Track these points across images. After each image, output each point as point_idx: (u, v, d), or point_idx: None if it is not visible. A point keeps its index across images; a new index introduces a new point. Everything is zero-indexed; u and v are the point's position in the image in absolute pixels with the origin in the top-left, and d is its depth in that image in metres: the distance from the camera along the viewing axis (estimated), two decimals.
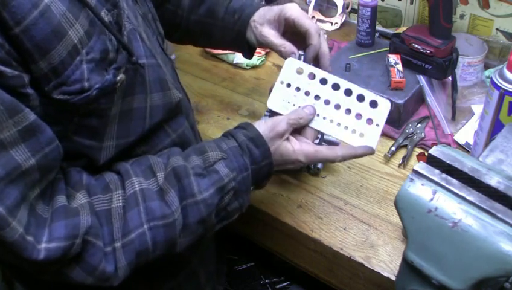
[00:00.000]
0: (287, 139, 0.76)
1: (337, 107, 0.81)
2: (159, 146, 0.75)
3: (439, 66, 1.07)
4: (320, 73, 0.83)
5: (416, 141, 1.04)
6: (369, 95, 0.80)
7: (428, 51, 1.07)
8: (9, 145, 0.54)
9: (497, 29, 1.20)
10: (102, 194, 0.65)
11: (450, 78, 1.09)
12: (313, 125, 0.80)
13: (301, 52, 0.88)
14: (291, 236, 0.94)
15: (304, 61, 0.86)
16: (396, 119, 1.07)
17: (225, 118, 1.17)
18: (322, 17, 1.46)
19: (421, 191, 0.57)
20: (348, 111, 0.80)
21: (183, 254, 0.84)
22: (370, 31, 1.22)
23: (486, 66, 1.17)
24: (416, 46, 1.09)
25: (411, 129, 1.06)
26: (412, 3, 1.31)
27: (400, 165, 1.01)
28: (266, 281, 1.42)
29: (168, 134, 0.76)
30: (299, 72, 0.83)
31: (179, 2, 0.97)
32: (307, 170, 1.01)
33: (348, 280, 0.92)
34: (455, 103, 1.06)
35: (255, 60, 1.31)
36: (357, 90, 0.81)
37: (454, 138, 1.03)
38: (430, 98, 1.10)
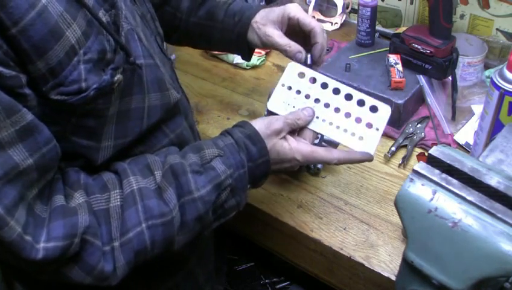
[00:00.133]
0: (284, 138, 0.77)
1: (337, 110, 0.81)
2: (157, 146, 0.75)
3: (439, 66, 1.07)
4: (321, 77, 0.83)
5: (416, 141, 1.04)
6: (370, 100, 0.80)
7: (428, 51, 1.07)
8: (6, 145, 0.54)
9: (497, 29, 1.20)
10: (100, 194, 0.65)
11: (450, 78, 1.09)
12: (311, 126, 0.80)
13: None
14: (291, 236, 0.94)
15: (311, 59, 0.88)
16: (396, 119, 1.07)
17: (225, 118, 1.17)
18: (322, 17, 1.46)
19: (421, 191, 0.57)
20: (348, 115, 0.80)
21: (181, 253, 0.84)
22: (370, 31, 1.22)
23: (486, 66, 1.16)
24: (416, 46, 1.09)
25: (411, 129, 1.06)
26: (412, 3, 1.31)
27: (400, 165, 1.01)
28: (266, 281, 1.42)
29: (166, 134, 0.76)
30: (301, 76, 0.84)
31: (178, 4, 0.97)
32: (306, 170, 1.01)
33: (348, 280, 0.92)
34: (455, 103, 1.06)
35: (255, 60, 1.31)
36: (357, 95, 0.81)
37: (454, 138, 1.03)
38: (430, 98, 1.10)
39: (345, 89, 0.82)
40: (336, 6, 1.41)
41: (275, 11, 0.89)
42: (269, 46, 0.91)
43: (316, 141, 0.92)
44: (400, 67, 1.09)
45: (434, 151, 0.61)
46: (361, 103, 0.80)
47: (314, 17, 1.46)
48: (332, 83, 0.82)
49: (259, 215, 0.97)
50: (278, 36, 0.88)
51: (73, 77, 0.58)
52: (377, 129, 0.79)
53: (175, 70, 0.87)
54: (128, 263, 0.64)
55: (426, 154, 0.91)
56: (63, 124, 0.62)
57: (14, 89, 0.54)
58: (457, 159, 0.60)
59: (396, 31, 1.22)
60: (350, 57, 1.20)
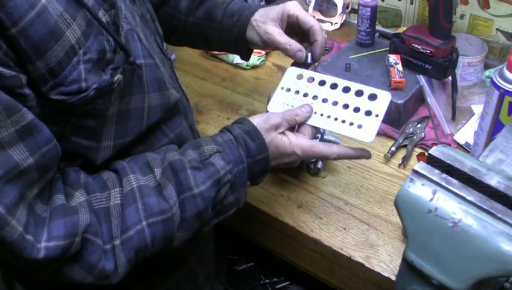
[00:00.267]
0: (283, 133, 0.77)
1: (335, 103, 0.81)
2: (157, 146, 0.75)
3: (439, 66, 1.07)
4: (319, 76, 0.84)
5: (416, 141, 1.04)
6: (368, 89, 0.80)
7: (428, 51, 1.07)
8: (7, 144, 0.54)
9: (497, 29, 1.20)
10: (100, 192, 0.65)
11: (450, 78, 1.09)
12: (309, 122, 0.80)
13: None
14: (291, 236, 0.94)
15: (311, 58, 0.88)
16: (396, 119, 1.07)
17: (225, 118, 1.17)
18: (322, 17, 1.46)
19: (421, 191, 0.57)
20: (346, 106, 0.80)
21: (180, 252, 0.84)
22: (370, 31, 1.22)
23: (486, 66, 1.16)
24: (416, 46, 1.09)
25: (411, 129, 1.06)
26: (412, 3, 1.31)
27: (400, 165, 1.01)
28: (266, 281, 1.42)
29: (165, 134, 0.76)
30: (299, 77, 0.85)
31: (176, 5, 0.97)
32: (306, 170, 1.01)
33: (348, 280, 0.92)
34: (455, 103, 1.06)
35: (255, 60, 1.31)
36: (355, 86, 0.81)
37: (454, 138, 1.03)
38: (430, 98, 1.10)
39: (342, 83, 0.82)
40: (336, 6, 1.41)
41: (275, 9, 0.90)
42: (269, 44, 0.90)
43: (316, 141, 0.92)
44: (399, 67, 1.09)
45: (434, 151, 0.61)
46: (359, 93, 0.81)
47: (314, 17, 1.45)
48: (330, 79, 0.83)
49: (259, 215, 0.97)
50: (278, 34, 0.88)
51: (73, 77, 0.58)
52: (377, 116, 0.78)
53: (175, 70, 0.87)
54: (129, 261, 0.65)
55: (426, 154, 0.91)
56: (63, 124, 0.62)
57: (14, 89, 0.55)
58: (457, 159, 0.59)
59: (396, 31, 1.22)
60: (350, 57, 1.20)
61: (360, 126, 0.78)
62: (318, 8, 1.47)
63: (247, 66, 1.32)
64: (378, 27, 1.36)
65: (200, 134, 0.96)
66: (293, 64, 0.90)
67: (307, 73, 0.85)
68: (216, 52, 1.35)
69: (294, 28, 0.90)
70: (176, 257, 0.85)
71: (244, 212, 0.97)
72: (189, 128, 0.83)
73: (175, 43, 1.05)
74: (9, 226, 0.54)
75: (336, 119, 0.80)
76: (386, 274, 0.83)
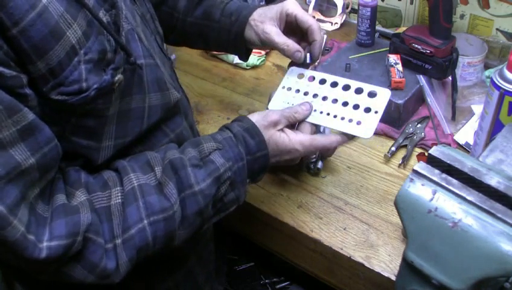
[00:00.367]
0: (282, 130, 0.77)
1: (335, 101, 0.81)
2: (157, 146, 0.75)
3: (439, 66, 1.07)
4: (319, 74, 0.84)
5: (416, 141, 1.04)
6: (368, 87, 0.81)
7: (428, 51, 1.07)
8: (8, 144, 0.54)
9: (497, 29, 1.20)
10: (101, 191, 0.65)
11: (450, 78, 1.09)
12: (309, 120, 0.81)
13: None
14: (291, 236, 0.94)
15: (310, 58, 0.88)
16: (396, 119, 1.07)
17: (225, 118, 1.17)
18: (322, 17, 1.46)
19: (421, 191, 0.57)
20: (345, 104, 0.81)
21: (180, 252, 0.84)
22: (370, 31, 1.22)
23: (486, 66, 1.16)
24: (416, 46, 1.09)
25: (411, 129, 1.06)
26: (412, 3, 1.31)
27: (400, 165, 1.01)
28: (266, 281, 1.42)
29: (165, 134, 0.76)
30: (300, 77, 0.86)
31: (174, 4, 0.97)
32: (306, 170, 1.01)
33: (348, 280, 0.92)
34: (455, 103, 1.06)
35: (255, 60, 1.31)
36: (355, 84, 0.82)
37: (454, 138, 1.03)
38: (430, 98, 1.10)
39: (342, 81, 0.82)
40: (336, 6, 1.41)
41: (273, 8, 0.89)
42: (267, 44, 0.90)
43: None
44: (400, 67, 1.09)
45: (434, 151, 0.61)
46: (359, 91, 0.81)
47: (314, 17, 1.45)
48: (330, 78, 0.84)
49: (259, 215, 0.97)
50: (276, 34, 0.87)
51: (73, 77, 0.58)
52: (376, 112, 0.78)
53: (175, 70, 0.87)
54: (131, 260, 0.65)
55: (426, 154, 0.91)
56: (63, 124, 0.62)
57: (15, 89, 0.55)
58: (457, 159, 0.60)
59: (396, 31, 1.22)
60: (350, 57, 1.20)
61: (359, 122, 0.78)
62: (318, 8, 1.47)
63: (247, 66, 1.32)
64: (378, 27, 1.36)
65: (200, 134, 0.95)
66: (291, 64, 0.90)
67: (308, 72, 0.85)
68: (216, 52, 1.35)
69: (293, 27, 0.89)
70: (176, 257, 0.85)
71: (244, 212, 0.97)
72: (189, 128, 0.83)
73: (174, 43, 1.05)
74: (11, 226, 0.54)
75: (335, 116, 0.80)
76: (386, 274, 0.83)
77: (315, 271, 0.98)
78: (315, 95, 0.83)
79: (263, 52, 1.33)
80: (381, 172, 1.00)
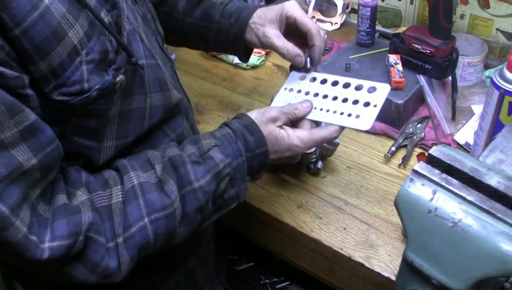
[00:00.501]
0: (281, 127, 0.77)
1: (335, 98, 0.82)
2: (158, 146, 0.75)
3: (439, 66, 1.07)
4: (321, 75, 0.85)
5: (416, 141, 1.04)
6: (368, 83, 0.81)
7: (428, 51, 1.07)
8: (10, 145, 0.54)
9: (497, 29, 1.20)
10: (102, 191, 0.65)
11: (450, 78, 1.09)
12: (309, 116, 0.81)
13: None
14: (291, 236, 0.94)
15: (310, 63, 0.88)
16: (396, 119, 1.07)
17: (225, 118, 1.17)
18: (322, 17, 1.46)
19: (421, 191, 0.57)
20: (345, 100, 0.81)
21: (181, 252, 0.84)
22: (370, 31, 1.22)
23: (486, 66, 1.17)
24: (416, 46, 1.09)
25: (411, 129, 1.06)
26: (412, 3, 1.31)
27: (400, 165, 1.01)
28: (266, 281, 1.42)
29: (167, 134, 0.77)
30: (302, 78, 0.87)
31: (174, 5, 0.97)
32: (306, 170, 1.01)
33: (348, 280, 0.92)
34: (455, 103, 1.06)
35: (255, 60, 1.32)
36: (355, 82, 0.82)
37: (454, 138, 1.03)
38: (430, 98, 1.10)
39: (343, 80, 0.83)
40: (336, 6, 1.41)
41: (273, 10, 0.88)
42: (268, 47, 0.90)
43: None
44: (400, 67, 1.09)
45: (434, 151, 0.61)
46: (359, 87, 0.81)
47: (314, 17, 1.46)
48: (331, 78, 0.84)
49: (259, 215, 0.97)
50: (276, 37, 0.86)
51: (75, 78, 0.58)
52: (375, 106, 0.78)
53: (175, 70, 0.88)
54: (132, 258, 0.65)
55: (426, 154, 0.91)
56: (64, 124, 0.62)
57: (17, 89, 0.55)
58: (457, 159, 0.60)
59: (396, 31, 1.22)
60: (350, 57, 1.20)
61: (358, 116, 0.78)
62: (318, 8, 1.47)
63: (247, 66, 1.32)
64: (378, 27, 1.36)
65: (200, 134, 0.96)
66: (292, 68, 0.90)
67: (310, 74, 0.86)
68: (216, 52, 1.35)
69: (293, 30, 0.88)
70: (176, 256, 0.85)
71: (244, 212, 0.97)
72: (190, 128, 0.83)
73: (174, 43, 1.05)
74: (13, 227, 0.54)
75: (334, 112, 0.80)
76: (386, 274, 0.83)
77: (315, 271, 0.98)
78: (316, 94, 0.83)
79: (263, 52, 1.33)
80: (381, 172, 1.00)
